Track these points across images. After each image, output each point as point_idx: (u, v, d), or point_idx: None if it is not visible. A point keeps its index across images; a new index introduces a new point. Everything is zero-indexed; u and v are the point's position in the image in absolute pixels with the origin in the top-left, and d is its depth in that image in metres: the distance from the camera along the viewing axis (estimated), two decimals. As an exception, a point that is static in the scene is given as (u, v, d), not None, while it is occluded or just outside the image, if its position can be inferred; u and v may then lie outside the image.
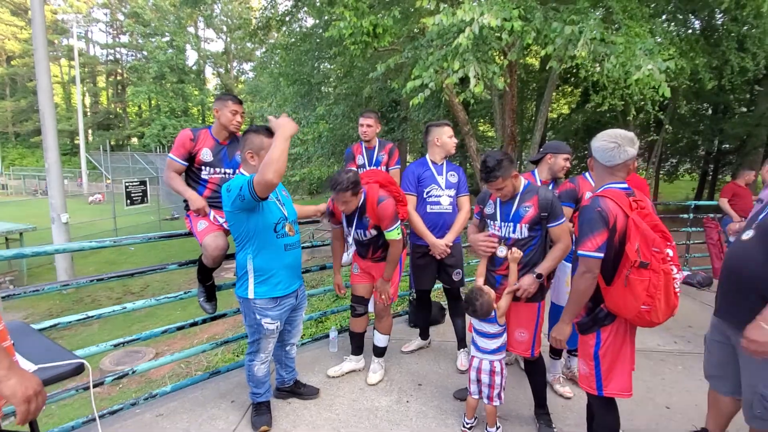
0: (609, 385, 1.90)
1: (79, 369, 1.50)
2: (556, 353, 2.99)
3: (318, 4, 8.59)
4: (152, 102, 37.57)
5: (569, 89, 16.23)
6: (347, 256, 3.02)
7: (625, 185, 1.86)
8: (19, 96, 37.91)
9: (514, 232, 2.29)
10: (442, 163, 3.11)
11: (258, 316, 2.32)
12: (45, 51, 8.84)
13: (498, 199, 2.35)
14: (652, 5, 7.06)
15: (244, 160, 2.27)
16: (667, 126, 12.20)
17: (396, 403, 2.78)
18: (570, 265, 2.67)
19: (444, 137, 3.06)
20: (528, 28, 4.44)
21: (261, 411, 2.52)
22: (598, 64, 4.85)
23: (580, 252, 1.80)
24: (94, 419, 2.20)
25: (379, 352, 3.08)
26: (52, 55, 34.61)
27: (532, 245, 2.30)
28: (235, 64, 41.54)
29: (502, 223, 2.33)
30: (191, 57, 39.51)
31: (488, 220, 2.42)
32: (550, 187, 2.90)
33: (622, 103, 6.94)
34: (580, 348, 1.99)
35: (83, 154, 28.95)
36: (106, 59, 41.42)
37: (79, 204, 20.81)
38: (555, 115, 17.91)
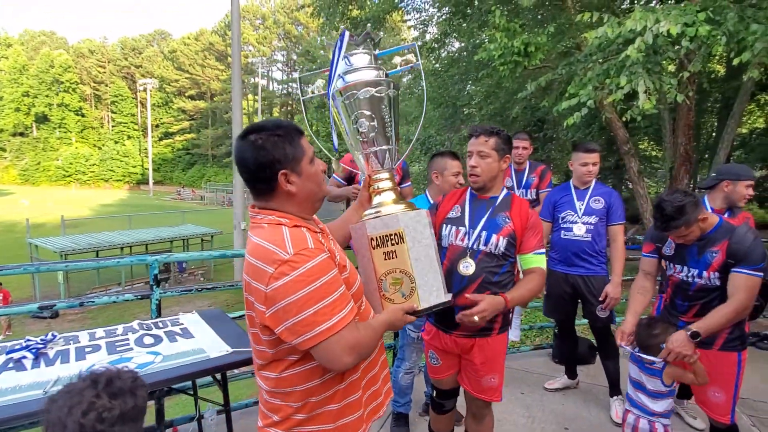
0: None
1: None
2: None
3: (466, 26, 8.74)
4: (313, 127, 43.53)
5: (766, 99, 13.28)
6: None
7: None
8: (217, 126, 49.91)
9: (700, 277, 1.94)
10: (588, 188, 2.86)
11: None
12: (240, 89, 11.17)
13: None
14: None
15: (429, 180, 2.46)
16: None
17: (539, 442, 2.59)
18: None
19: (576, 164, 2.87)
20: (717, 33, 3.81)
21: (400, 422, 2.60)
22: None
23: None
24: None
25: None
26: (242, 91, 43.66)
27: (714, 294, 1.93)
28: (382, 89, 45.76)
29: (685, 268, 2.00)
30: (347, 86, 44.97)
31: (668, 262, 2.09)
32: (726, 216, 2.42)
33: None
34: None
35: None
36: (281, 92, 51.00)
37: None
38: (745, 130, 14.78)
